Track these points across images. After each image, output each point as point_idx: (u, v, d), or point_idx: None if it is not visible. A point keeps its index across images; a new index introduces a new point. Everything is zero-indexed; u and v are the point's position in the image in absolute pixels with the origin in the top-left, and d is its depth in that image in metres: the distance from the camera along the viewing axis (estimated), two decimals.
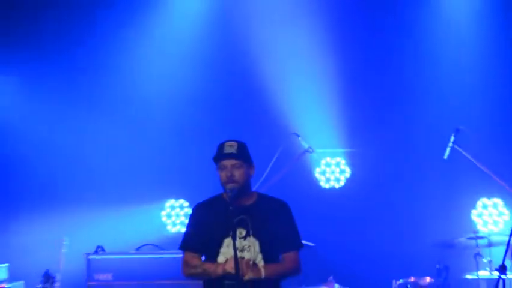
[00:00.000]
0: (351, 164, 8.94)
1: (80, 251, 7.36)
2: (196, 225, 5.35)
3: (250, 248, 5.24)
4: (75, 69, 8.94)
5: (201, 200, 5.37)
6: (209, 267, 5.25)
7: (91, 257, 7.25)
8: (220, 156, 5.18)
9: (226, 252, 5.21)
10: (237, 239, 5.05)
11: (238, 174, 5.12)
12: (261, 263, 5.14)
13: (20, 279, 8.07)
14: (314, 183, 8.87)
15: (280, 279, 5.31)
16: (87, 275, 7.20)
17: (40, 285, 7.10)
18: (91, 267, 7.23)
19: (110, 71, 8.90)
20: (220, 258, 5.18)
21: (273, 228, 5.22)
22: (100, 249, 7.40)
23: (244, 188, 5.13)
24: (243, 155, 5.23)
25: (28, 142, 8.95)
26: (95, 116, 8.95)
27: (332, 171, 8.90)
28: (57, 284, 7.27)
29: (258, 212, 5.16)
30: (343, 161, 8.80)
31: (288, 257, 5.27)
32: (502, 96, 8.49)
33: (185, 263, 5.34)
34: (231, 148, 5.25)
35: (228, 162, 5.17)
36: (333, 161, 8.87)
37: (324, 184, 8.83)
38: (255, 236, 5.19)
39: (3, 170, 9.07)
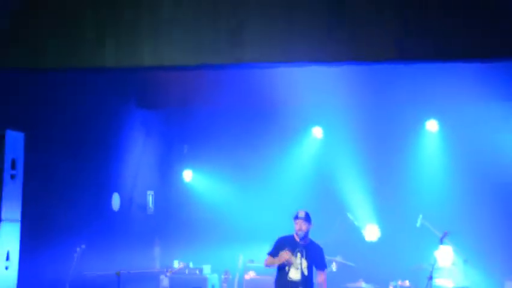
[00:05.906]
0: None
1: (243, 260, 10.87)
2: (275, 246, 7.81)
3: (302, 264, 7.62)
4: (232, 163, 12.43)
5: (281, 236, 7.90)
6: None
7: (247, 264, 10.86)
8: (296, 217, 7.64)
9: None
10: (298, 258, 7.61)
11: (304, 227, 7.57)
12: (305, 272, 7.52)
13: (214, 273, 11.25)
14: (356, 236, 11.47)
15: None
16: (244, 271, 10.91)
17: (223, 276, 9.99)
18: (246, 268, 10.91)
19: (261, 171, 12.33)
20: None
21: (314, 258, 7.68)
22: (250, 260, 10.85)
23: (306, 235, 7.61)
24: (307, 218, 7.64)
25: (216, 203, 12.46)
26: (248, 189, 12.28)
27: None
28: (230, 276, 10.16)
29: (309, 248, 7.62)
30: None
31: (320, 273, 7.75)
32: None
33: (267, 260, 7.87)
34: (302, 214, 7.62)
35: (300, 221, 7.60)
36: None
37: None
38: (306, 259, 7.62)
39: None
